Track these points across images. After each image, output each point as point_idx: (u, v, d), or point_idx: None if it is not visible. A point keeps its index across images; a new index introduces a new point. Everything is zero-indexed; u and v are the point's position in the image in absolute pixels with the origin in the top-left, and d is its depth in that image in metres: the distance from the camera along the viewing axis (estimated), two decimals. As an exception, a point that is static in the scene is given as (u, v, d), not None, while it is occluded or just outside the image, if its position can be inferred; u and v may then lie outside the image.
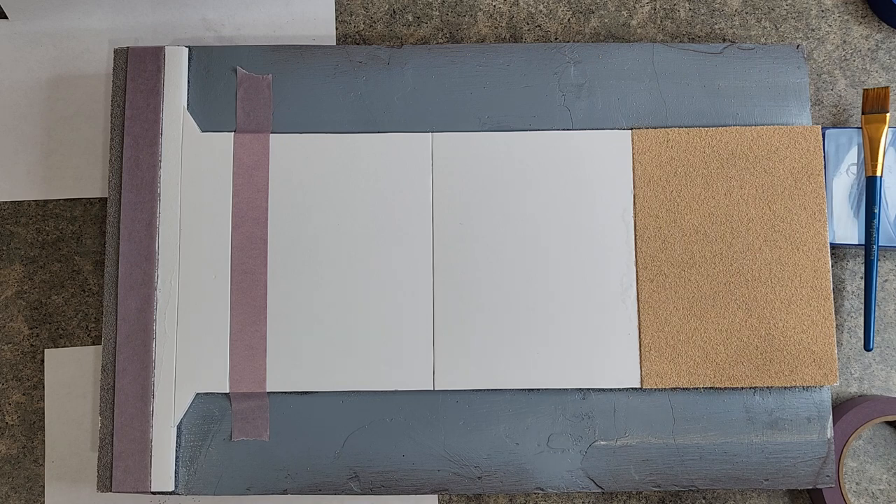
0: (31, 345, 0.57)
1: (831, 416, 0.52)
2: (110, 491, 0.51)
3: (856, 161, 0.56)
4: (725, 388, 0.53)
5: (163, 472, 0.51)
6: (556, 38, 0.60)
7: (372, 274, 0.53)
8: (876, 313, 0.57)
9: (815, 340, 0.52)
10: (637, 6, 0.61)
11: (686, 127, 0.54)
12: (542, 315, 0.53)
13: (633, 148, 0.54)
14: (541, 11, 0.60)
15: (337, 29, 0.60)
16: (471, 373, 0.52)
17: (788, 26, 0.60)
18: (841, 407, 0.56)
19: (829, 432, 0.52)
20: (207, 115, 0.54)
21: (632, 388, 0.53)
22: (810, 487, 0.52)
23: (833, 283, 0.58)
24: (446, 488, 0.52)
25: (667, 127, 0.54)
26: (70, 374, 0.57)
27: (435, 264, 0.53)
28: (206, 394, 0.52)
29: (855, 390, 0.57)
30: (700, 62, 0.55)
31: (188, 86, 0.55)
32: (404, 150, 0.54)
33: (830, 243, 0.56)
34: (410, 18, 0.60)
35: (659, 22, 0.60)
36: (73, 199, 0.58)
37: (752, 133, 0.54)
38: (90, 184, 0.58)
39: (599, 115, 0.55)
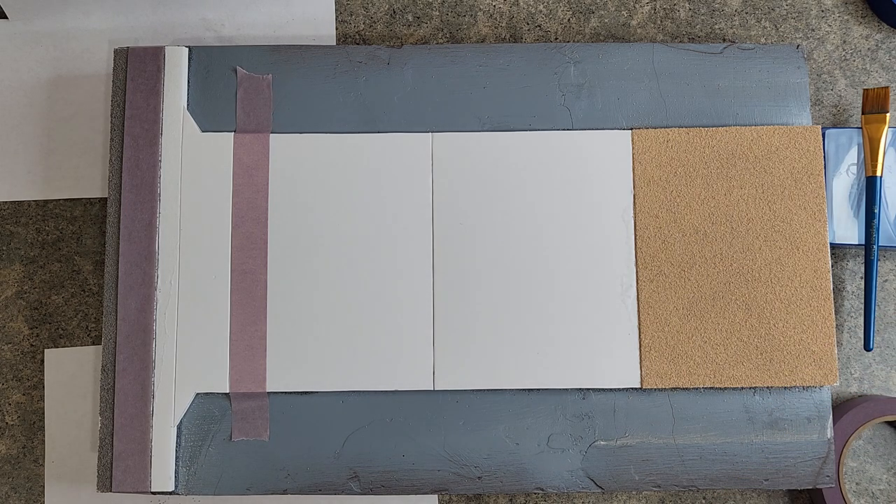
0: (31, 345, 0.57)
1: (831, 416, 0.52)
2: (110, 491, 0.51)
3: (856, 161, 0.57)
4: (725, 388, 0.53)
5: (163, 472, 0.51)
6: (556, 38, 0.60)
7: (372, 274, 0.53)
8: (876, 313, 0.57)
9: (815, 340, 0.52)
10: (637, 6, 0.61)
11: (686, 127, 0.54)
12: (542, 315, 0.53)
13: (633, 148, 0.54)
14: (541, 11, 0.60)
15: (337, 29, 0.60)
16: (471, 373, 0.52)
17: (788, 26, 0.60)
18: (841, 407, 0.56)
19: (829, 432, 0.52)
20: (207, 115, 0.54)
21: (632, 388, 0.53)
22: (810, 487, 0.52)
23: (833, 283, 0.58)
24: (446, 488, 0.52)
25: (667, 127, 0.54)
26: (70, 374, 0.57)
27: (435, 264, 0.53)
28: (206, 394, 0.52)
29: (855, 390, 0.57)
30: (700, 62, 0.55)
31: (188, 86, 0.55)
32: (404, 150, 0.54)
33: (830, 243, 0.56)
34: (410, 18, 0.60)
35: (659, 22, 0.60)
36: (73, 199, 0.58)
37: (752, 133, 0.54)
38: (90, 184, 0.58)
39: (599, 115, 0.55)
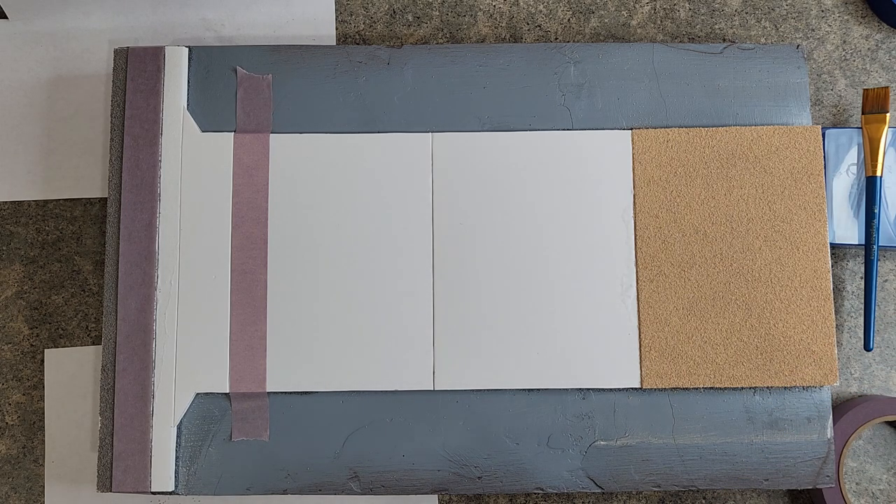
0: (31, 345, 0.57)
1: (831, 416, 0.52)
2: (110, 491, 0.51)
3: (856, 161, 0.57)
4: (725, 388, 0.53)
5: (163, 472, 0.51)
6: (556, 38, 0.60)
7: (372, 274, 0.53)
8: (876, 313, 0.57)
9: (815, 340, 0.52)
10: (637, 6, 0.61)
11: (686, 127, 0.54)
12: (542, 315, 0.53)
13: (633, 148, 0.54)
14: (541, 11, 0.60)
15: (337, 29, 0.60)
16: (471, 373, 0.52)
17: (788, 26, 0.60)
18: (841, 407, 0.56)
19: (829, 432, 0.52)
20: (207, 115, 0.54)
21: (632, 388, 0.53)
22: (810, 487, 0.52)
23: (833, 283, 0.58)
24: (446, 488, 0.52)
25: (667, 127, 0.54)
26: (70, 374, 0.57)
27: (435, 264, 0.53)
28: (206, 394, 0.52)
29: (855, 390, 0.57)
30: (700, 62, 0.55)
31: (188, 86, 0.55)
32: (404, 150, 0.54)
33: (830, 243, 0.56)
34: (410, 18, 0.60)
35: (659, 22, 0.60)
36: (73, 199, 0.58)
37: (752, 133, 0.54)
38: (90, 184, 0.58)
39: (599, 115, 0.55)
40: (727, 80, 0.55)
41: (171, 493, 0.51)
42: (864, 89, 0.56)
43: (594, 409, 0.52)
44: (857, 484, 0.57)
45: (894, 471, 0.57)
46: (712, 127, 0.54)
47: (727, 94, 0.55)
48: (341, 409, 0.52)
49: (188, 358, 0.52)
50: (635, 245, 0.53)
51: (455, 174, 0.54)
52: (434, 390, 0.52)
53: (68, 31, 0.59)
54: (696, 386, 0.52)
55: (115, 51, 0.55)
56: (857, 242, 0.56)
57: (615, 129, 0.54)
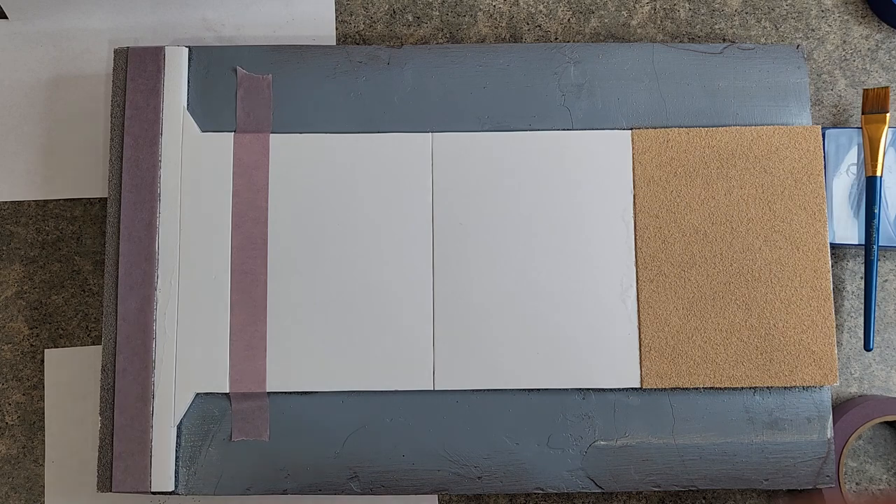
0: (31, 345, 0.57)
1: (831, 416, 0.52)
2: (110, 491, 0.51)
3: (856, 161, 0.57)
4: (725, 388, 0.53)
5: (163, 472, 0.51)
6: (556, 38, 0.60)
7: (372, 274, 0.53)
8: (876, 313, 0.57)
9: (815, 340, 0.52)
10: (637, 6, 0.61)
11: (686, 127, 0.54)
12: (542, 315, 0.53)
13: (633, 148, 0.54)
14: (541, 11, 0.60)
15: (337, 29, 0.60)
16: (471, 373, 0.52)
17: (788, 26, 0.60)
18: (841, 407, 0.56)
19: (829, 432, 0.52)
20: (207, 115, 0.54)
21: (632, 388, 0.53)
22: (810, 487, 0.52)
23: (833, 283, 0.58)
24: (446, 488, 0.52)
25: (667, 127, 0.54)
26: (70, 374, 0.57)
27: (435, 264, 0.53)
28: (206, 394, 0.52)
29: (855, 390, 0.57)
30: (700, 62, 0.55)
31: (188, 86, 0.55)
32: (404, 150, 0.54)
33: (830, 243, 0.56)
34: (410, 18, 0.60)
35: (659, 22, 0.60)
36: (73, 199, 0.58)
37: (752, 133, 0.54)
38: (90, 184, 0.58)
39: (599, 115, 0.55)
40: (727, 80, 0.55)
41: (171, 494, 0.51)
42: (864, 89, 0.56)
43: (594, 409, 0.52)
44: (857, 484, 0.57)
45: (894, 471, 0.57)
46: (712, 127, 0.54)
47: (727, 94, 0.55)
48: (341, 409, 0.52)
49: (188, 358, 0.52)
50: (635, 245, 0.53)
51: (455, 174, 0.54)
52: (434, 390, 0.52)
53: (68, 31, 0.59)
54: (696, 386, 0.52)
55: (115, 51, 0.55)
56: (857, 242, 0.56)
57: (615, 129, 0.54)
